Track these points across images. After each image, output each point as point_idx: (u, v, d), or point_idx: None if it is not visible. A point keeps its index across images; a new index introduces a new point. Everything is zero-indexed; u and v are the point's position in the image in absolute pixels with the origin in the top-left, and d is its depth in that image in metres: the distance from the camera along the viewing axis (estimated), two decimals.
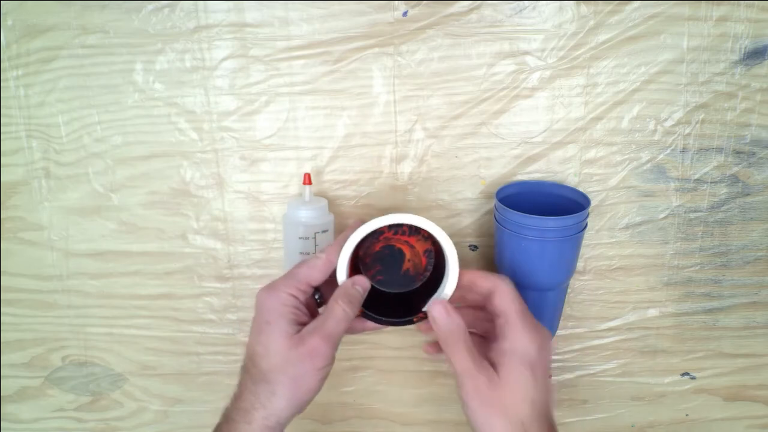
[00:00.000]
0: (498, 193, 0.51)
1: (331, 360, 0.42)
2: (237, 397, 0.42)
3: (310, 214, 0.50)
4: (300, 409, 0.42)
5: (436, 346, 0.48)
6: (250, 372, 0.42)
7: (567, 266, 0.50)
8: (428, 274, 0.48)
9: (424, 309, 0.45)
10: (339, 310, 0.42)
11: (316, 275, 0.44)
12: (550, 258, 0.48)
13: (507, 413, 0.39)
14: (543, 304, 0.51)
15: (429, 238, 0.47)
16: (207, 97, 0.53)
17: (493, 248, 0.57)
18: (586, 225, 0.48)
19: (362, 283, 0.44)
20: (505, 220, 0.48)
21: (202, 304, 0.59)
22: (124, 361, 0.62)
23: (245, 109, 0.53)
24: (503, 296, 0.43)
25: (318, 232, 0.51)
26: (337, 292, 0.43)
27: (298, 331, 0.42)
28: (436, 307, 0.42)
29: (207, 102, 0.53)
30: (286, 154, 0.54)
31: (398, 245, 0.47)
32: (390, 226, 0.45)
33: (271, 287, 0.44)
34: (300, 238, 0.51)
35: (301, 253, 0.51)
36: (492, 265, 0.57)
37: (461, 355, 0.41)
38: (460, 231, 0.56)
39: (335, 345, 0.42)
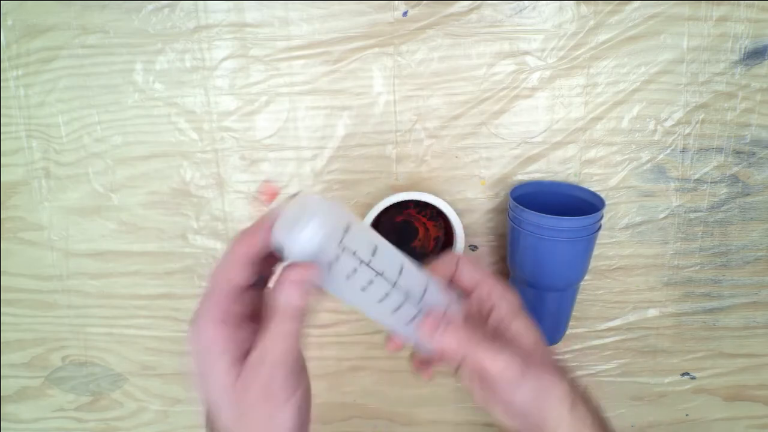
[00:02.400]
0: (512, 192, 0.51)
1: (297, 385, 0.33)
2: None
3: (312, 231, 0.30)
4: None
5: (425, 363, 0.41)
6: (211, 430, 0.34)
7: (580, 267, 0.50)
8: (430, 258, 0.51)
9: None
10: (275, 324, 0.31)
11: (240, 273, 0.33)
12: (565, 258, 0.48)
13: (551, 367, 0.36)
14: (556, 304, 0.51)
15: (443, 228, 0.52)
16: (207, 97, 0.53)
17: (492, 248, 0.57)
18: (601, 226, 0.48)
19: (298, 275, 0.31)
20: (520, 219, 0.48)
21: None
22: (124, 361, 0.62)
23: (245, 109, 0.53)
24: (470, 266, 0.39)
25: (344, 237, 0.31)
26: (272, 296, 0.32)
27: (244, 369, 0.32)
28: (428, 326, 0.35)
29: (207, 102, 0.53)
30: (286, 154, 0.54)
31: (416, 223, 0.52)
32: (417, 203, 0.49)
33: (194, 322, 0.33)
34: (331, 263, 0.31)
35: (348, 276, 0.32)
36: (491, 264, 0.57)
37: (493, 353, 0.35)
38: None
39: (293, 367, 0.32)
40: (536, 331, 0.38)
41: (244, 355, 0.33)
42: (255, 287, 0.35)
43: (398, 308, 0.35)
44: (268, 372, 0.32)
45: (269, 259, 0.33)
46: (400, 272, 0.34)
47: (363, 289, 0.33)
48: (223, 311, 0.32)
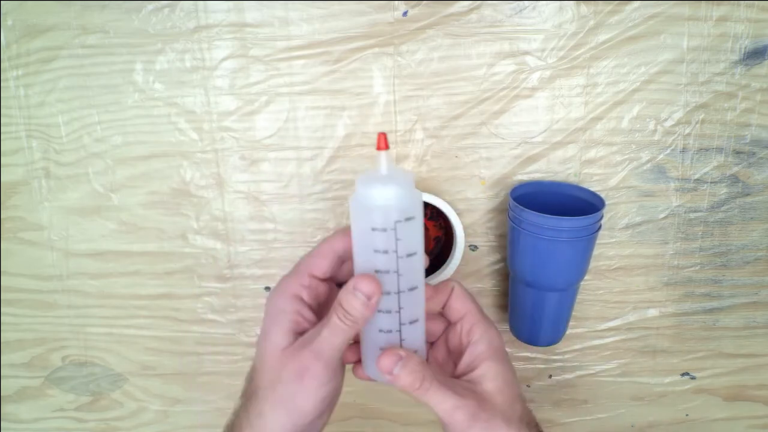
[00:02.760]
0: (512, 192, 0.51)
1: (328, 380, 0.36)
2: (235, 412, 0.38)
3: (389, 194, 0.33)
4: (296, 429, 0.36)
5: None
6: (247, 386, 0.38)
7: (580, 267, 0.50)
8: (430, 258, 0.51)
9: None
10: (334, 320, 0.35)
11: (320, 264, 0.38)
12: (565, 258, 0.48)
13: (508, 419, 0.36)
14: (556, 304, 0.51)
15: (443, 228, 0.52)
16: (207, 97, 0.53)
17: (492, 248, 0.57)
18: (600, 226, 0.48)
19: (366, 288, 0.34)
20: (520, 219, 0.48)
21: (202, 304, 0.60)
22: (124, 361, 0.62)
23: (245, 109, 0.53)
24: (461, 296, 0.40)
25: (400, 221, 0.33)
26: (338, 296, 0.35)
27: (294, 342, 0.37)
28: (387, 361, 0.35)
29: (207, 102, 0.53)
30: (286, 154, 0.54)
31: None
32: None
33: (276, 287, 0.38)
34: (373, 229, 0.34)
35: (375, 251, 0.34)
36: (490, 264, 0.57)
37: (442, 395, 0.35)
38: None
39: (331, 362, 0.35)
40: (507, 377, 0.37)
41: (299, 332, 0.37)
42: (328, 284, 0.39)
43: (384, 312, 0.35)
44: (309, 356, 0.35)
45: (349, 264, 0.38)
46: (411, 290, 0.35)
47: (375, 271, 0.34)
48: (296, 289, 0.37)
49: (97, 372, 0.63)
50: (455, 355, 0.40)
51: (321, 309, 0.39)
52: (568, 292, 0.51)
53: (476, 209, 0.55)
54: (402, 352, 0.35)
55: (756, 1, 0.49)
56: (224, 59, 0.52)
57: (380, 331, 0.36)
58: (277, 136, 0.54)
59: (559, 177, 0.54)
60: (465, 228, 0.55)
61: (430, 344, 0.42)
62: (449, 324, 0.41)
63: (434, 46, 0.51)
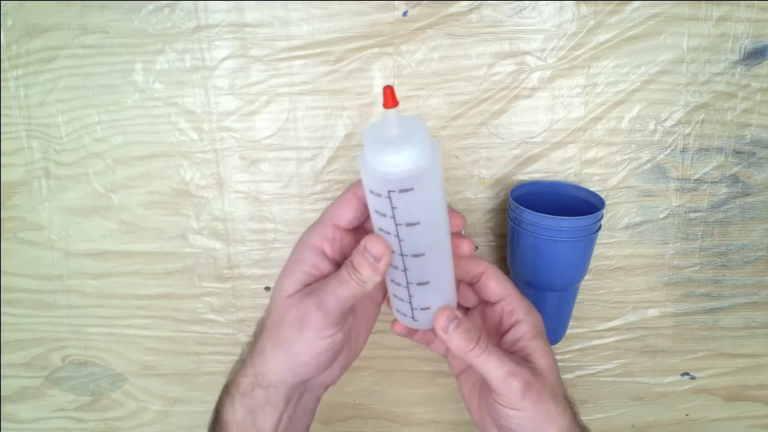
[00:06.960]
0: (512, 192, 0.51)
1: (327, 333, 0.35)
2: (243, 350, 0.39)
3: (387, 161, 0.30)
4: (296, 376, 0.36)
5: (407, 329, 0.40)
6: (257, 326, 0.39)
7: (580, 267, 0.50)
8: None
9: None
10: (344, 274, 0.34)
11: (343, 215, 0.36)
12: (565, 258, 0.48)
13: (556, 395, 0.36)
14: (556, 304, 0.51)
15: None
16: (207, 97, 0.53)
17: (492, 248, 0.57)
18: (600, 226, 0.48)
19: (375, 249, 0.33)
20: (520, 219, 0.48)
21: (202, 304, 0.59)
22: (124, 361, 0.62)
23: (245, 109, 0.53)
24: (499, 278, 0.39)
25: (394, 191, 0.31)
26: (353, 253, 0.34)
27: (300, 290, 0.36)
28: (442, 319, 0.35)
29: (207, 102, 0.53)
30: (286, 154, 0.54)
31: None
32: None
33: (302, 236, 0.37)
34: (371, 192, 0.32)
35: (376, 212, 0.33)
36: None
37: (497, 360, 0.34)
38: None
39: (332, 314, 0.34)
40: (553, 357, 0.37)
41: (312, 284, 0.36)
42: (354, 234, 0.38)
43: (392, 267, 0.35)
44: (312, 304, 0.34)
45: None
46: (416, 256, 0.33)
47: (379, 229, 0.34)
48: (318, 241, 0.36)
49: (97, 372, 0.63)
50: (494, 333, 0.40)
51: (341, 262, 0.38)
52: (568, 292, 0.51)
53: (476, 209, 0.55)
54: (458, 313, 0.35)
55: (756, 1, 0.49)
56: (224, 59, 0.52)
57: (392, 281, 0.36)
58: (277, 136, 0.54)
59: (559, 177, 0.54)
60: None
61: (465, 310, 0.42)
62: (487, 303, 0.40)
63: (434, 46, 0.51)
